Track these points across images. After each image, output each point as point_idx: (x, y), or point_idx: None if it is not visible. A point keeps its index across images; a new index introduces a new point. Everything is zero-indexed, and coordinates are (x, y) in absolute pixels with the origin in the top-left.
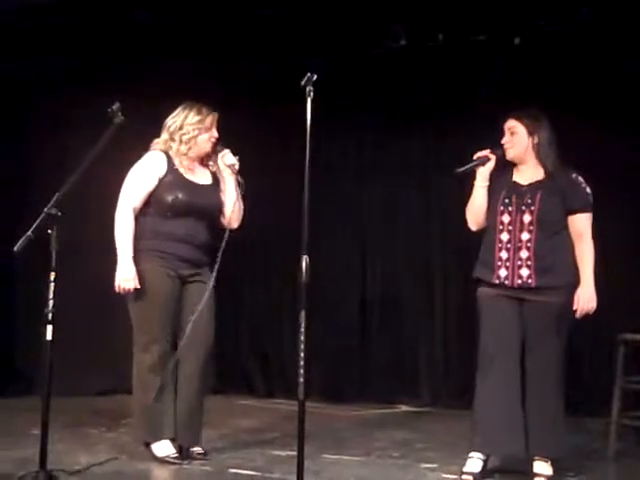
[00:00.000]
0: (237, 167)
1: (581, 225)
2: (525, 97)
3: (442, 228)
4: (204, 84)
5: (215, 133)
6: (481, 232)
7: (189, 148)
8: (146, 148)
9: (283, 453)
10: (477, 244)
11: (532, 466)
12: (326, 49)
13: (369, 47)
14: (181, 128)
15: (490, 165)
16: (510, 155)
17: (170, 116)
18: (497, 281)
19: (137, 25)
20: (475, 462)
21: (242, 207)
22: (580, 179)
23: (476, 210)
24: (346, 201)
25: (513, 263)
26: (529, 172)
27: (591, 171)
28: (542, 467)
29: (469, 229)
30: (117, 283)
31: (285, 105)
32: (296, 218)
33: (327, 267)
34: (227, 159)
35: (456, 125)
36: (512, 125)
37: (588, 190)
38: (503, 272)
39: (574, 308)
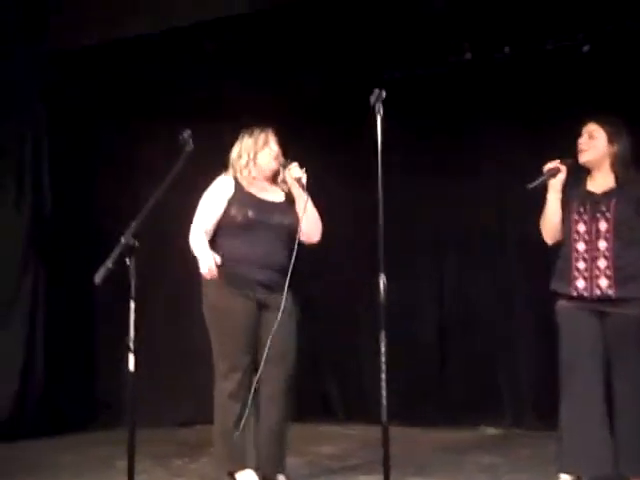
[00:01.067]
0: (304, 180)
1: None
2: (592, 106)
3: (519, 243)
4: (268, 104)
5: (274, 147)
6: (557, 246)
7: (249, 171)
8: (213, 176)
9: (369, 478)
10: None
11: None
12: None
13: (434, 62)
14: (240, 156)
15: (561, 176)
16: (584, 158)
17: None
18: (575, 293)
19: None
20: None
21: (318, 218)
22: None
23: (550, 222)
24: (424, 219)
25: (591, 273)
26: (601, 180)
27: None
28: None
29: (546, 243)
30: (202, 272)
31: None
32: (373, 236)
33: (405, 287)
34: (294, 172)
35: (526, 139)
36: (593, 129)
37: None
38: (581, 283)
39: None
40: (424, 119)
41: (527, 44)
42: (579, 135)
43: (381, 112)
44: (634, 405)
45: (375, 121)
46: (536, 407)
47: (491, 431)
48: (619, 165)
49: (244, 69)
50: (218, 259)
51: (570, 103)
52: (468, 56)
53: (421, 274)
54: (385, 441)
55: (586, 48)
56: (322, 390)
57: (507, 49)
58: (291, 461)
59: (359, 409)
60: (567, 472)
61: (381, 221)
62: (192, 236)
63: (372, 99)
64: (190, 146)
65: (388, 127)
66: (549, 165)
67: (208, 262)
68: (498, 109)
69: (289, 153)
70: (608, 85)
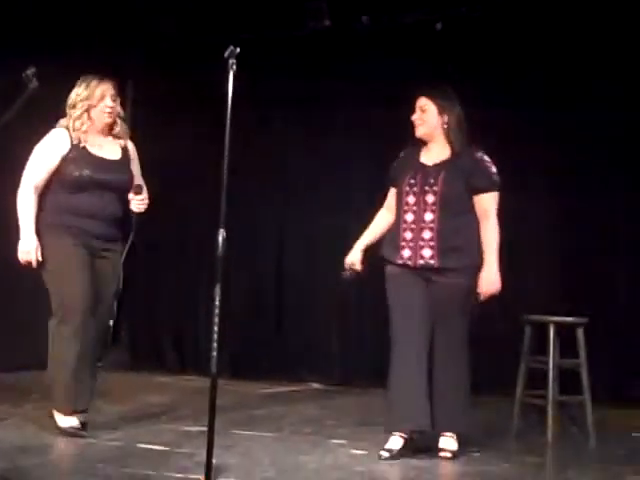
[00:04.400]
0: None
1: (486, 205)
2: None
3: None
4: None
5: (109, 103)
6: None
7: (82, 124)
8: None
9: (194, 429)
10: None
11: (438, 441)
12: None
13: (292, 28)
14: (74, 106)
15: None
16: (419, 133)
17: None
18: (400, 261)
19: None
20: (396, 440)
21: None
22: (486, 158)
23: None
24: (267, 178)
25: (416, 243)
26: (436, 151)
27: (500, 153)
28: (448, 442)
29: None
30: (19, 256)
31: (206, 77)
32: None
33: (245, 242)
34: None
35: (385, 110)
36: (423, 103)
37: (494, 169)
38: (406, 252)
39: (478, 291)
40: (278, 79)
41: (386, 16)
42: (413, 111)
43: (234, 68)
44: (449, 367)
45: (227, 76)
46: (365, 365)
47: (319, 386)
48: (452, 134)
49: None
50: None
51: (423, 78)
52: (327, 23)
53: (260, 226)
54: (212, 392)
55: (439, 26)
56: (157, 341)
57: (365, 19)
58: (119, 409)
59: (193, 361)
60: (392, 430)
61: (225, 175)
62: (21, 194)
63: (226, 54)
64: (34, 84)
65: (242, 84)
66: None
67: (29, 245)
68: (353, 78)
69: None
70: (460, 62)
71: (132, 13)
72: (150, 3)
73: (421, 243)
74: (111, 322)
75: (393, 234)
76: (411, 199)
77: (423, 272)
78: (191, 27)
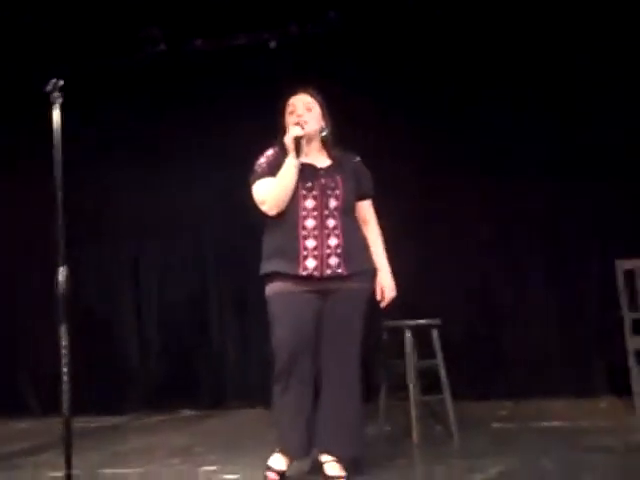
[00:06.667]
0: None
1: (369, 209)
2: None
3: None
4: None
5: None
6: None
7: None
8: None
9: (59, 474)
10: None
11: (323, 464)
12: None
13: (128, 52)
14: None
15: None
16: (307, 130)
17: None
18: (304, 272)
19: None
20: (279, 459)
21: None
22: (361, 163)
23: (288, 190)
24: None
25: (321, 252)
26: (315, 155)
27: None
28: (334, 468)
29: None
30: None
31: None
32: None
33: (96, 277)
34: None
35: (224, 134)
36: (308, 101)
37: (369, 173)
38: (311, 262)
39: (378, 298)
40: (117, 110)
41: (219, 37)
42: (284, 108)
43: (59, 101)
44: (343, 386)
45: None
46: (236, 387)
47: (189, 413)
48: (330, 138)
49: None
50: None
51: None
52: (162, 47)
53: (115, 261)
54: (67, 432)
55: (273, 44)
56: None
57: (199, 41)
58: None
59: (54, 403)
60: (279, 452)
61: (60, 214)
62: None
63: (48, 87)
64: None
65: (76, 117)
66: (294, 132)
67: None
68: (190, 100)
69: None
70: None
71: None
72: None
73: (327, 251)
74: None
75: (280, 244)
76: (310, 203)
77: (324, 283)
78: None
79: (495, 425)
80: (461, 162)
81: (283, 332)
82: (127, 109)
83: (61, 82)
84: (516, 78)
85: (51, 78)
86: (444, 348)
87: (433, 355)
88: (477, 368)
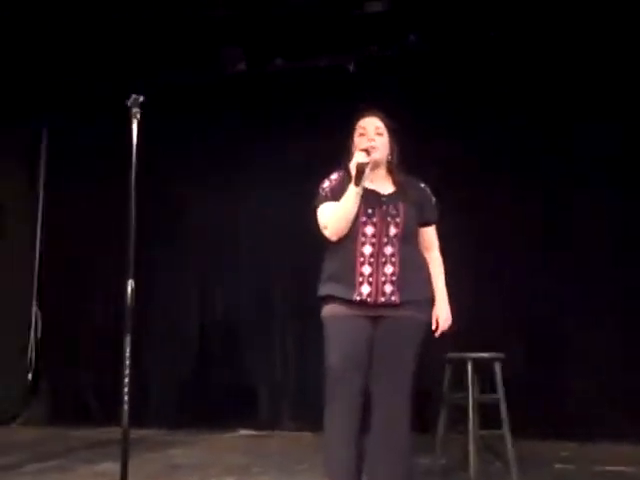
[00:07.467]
0: None
1: (432, 236)
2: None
3: (284, 248)
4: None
5: None
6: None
7: None
8: None
9: None
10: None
11: None
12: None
13: (208, 70)
14: None
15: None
16: (375, 157)
17: None
18: (358, 298)
19: None
20: None
21: None
22: (428, 189)
23: (348, 217)
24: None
25: (376, 279)
26: (381, 180)
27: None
28: None
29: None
30: None
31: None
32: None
33: (165, 294)
34: None
35: (299, 155)
36: (379, 125)
37: (434, 199)
38: (366, 289)
39: (433, 327)
40: (197, 125)
41: (301, 58)
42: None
43: (138, 117)
44: (394, 418)
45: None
46: (291, 409)
47: (245, 432)
48: (396, 163)
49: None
50: None
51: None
52: (243, 67)
53: (183, 278)
54: (125, 442)
55: (352, 67)
56: (79, 393)
57: (279, 61)
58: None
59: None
60: (326, 477)
61: (132, 224)
62: None
63: (129, 102)
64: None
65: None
66: (360, 159)
67: None
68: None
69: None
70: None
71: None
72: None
73: (382, 278)
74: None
75: (338, 268)
76: (369, 230)
77: (377, 309)
78: (106, 76)
79: (557, 466)
80: (530, 187)
81: (334, 355)
82: (206, 125)
83: (141, 98)
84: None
85: (133, 92)
86: (505, 382)
87: (494, 389)
88: (539, 405)
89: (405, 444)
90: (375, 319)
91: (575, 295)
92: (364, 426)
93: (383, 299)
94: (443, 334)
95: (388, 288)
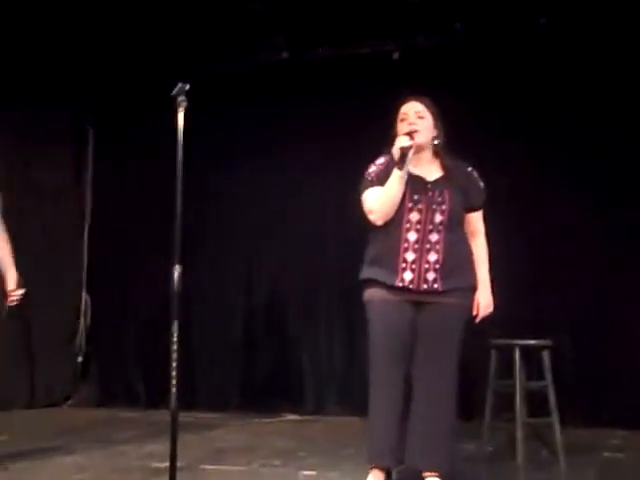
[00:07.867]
0: None
1: (477, 222)
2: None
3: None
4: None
5: None
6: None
7: None
8: None
9: (163, 465)
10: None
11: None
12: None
13: (250, 59)
14: None
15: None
16: (418, 140)
17: None
18: (400, 284)
19: None
20: (376, 474)
21: None
22: (475, 173)
23: (395, 201)
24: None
25: (420, 266)
26: (427, 166)
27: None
28: None
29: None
30: None
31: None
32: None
33: (212, 279)
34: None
35: (341, 142)
36: (420, 109)
37: (482, 184)
38: (408, 275)
39: (474, 313)
40: (237, 114)
41: (342, 46)
42: (396, 116)
43: (184, 105)
44: (437, 400)
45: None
46: (336, 395)
47: (291, 417)
48: (442, 147)
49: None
50: None
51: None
52: (285, 55)
53: (229, 262)
54: (173, 427)
55: (396, 55)
56: (127, 376)
57: (322, 49)
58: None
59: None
60: (371, 463)
61: (179, 211)
62: None
63: (174, 91)
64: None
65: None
66: (403, 143)
67: None
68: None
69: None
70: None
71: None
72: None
73: (426, 266)
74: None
75: (381, 253)
76: (414, 216)
77: (420, 295)
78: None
79: (606, 454)
80: (582, 176)
81: (376, 339)
82: (246, 113)
83: (187, 86)
84: None
85: (177, 82)
86: (553, 369)
87: (540, 375)
88: (587, 392)
89: (447, 429)
90: (417, 305)
91: (623, 282)
92: (408, 412)
93: (425, 286)
94: (483, 320)
95: (431, 276)
